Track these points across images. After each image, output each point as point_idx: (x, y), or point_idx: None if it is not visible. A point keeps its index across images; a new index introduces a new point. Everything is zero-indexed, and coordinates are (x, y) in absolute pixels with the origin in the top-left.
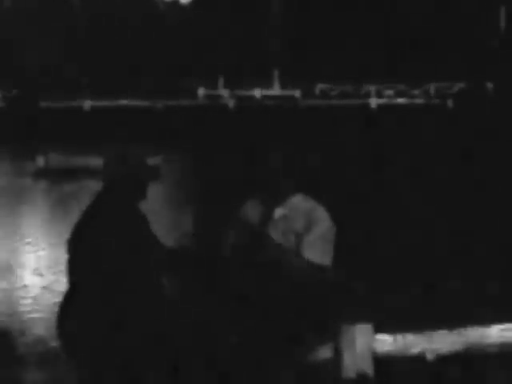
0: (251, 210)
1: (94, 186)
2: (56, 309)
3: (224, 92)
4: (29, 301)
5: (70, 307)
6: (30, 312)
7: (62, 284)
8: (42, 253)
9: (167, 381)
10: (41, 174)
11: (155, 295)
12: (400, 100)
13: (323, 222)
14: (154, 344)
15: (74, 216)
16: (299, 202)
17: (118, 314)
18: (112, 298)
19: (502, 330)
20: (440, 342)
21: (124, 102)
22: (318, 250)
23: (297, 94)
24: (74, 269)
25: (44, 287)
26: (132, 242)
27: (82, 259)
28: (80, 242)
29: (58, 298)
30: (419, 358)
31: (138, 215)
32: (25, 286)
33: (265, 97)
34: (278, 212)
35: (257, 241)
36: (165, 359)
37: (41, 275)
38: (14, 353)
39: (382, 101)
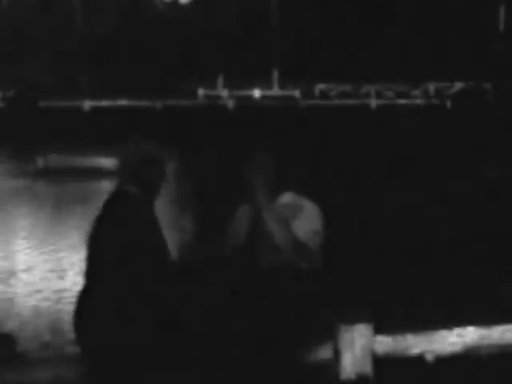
0: (244, 214)
1: (95, 186)
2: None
3: (223, 92)
4: (37, 301)
5: (85, 307)
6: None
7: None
8: (50, 255)
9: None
10: (41, 174)
11: (166, 293)
12: (400, 100)
13: (309, 209)
14: (165, 341)
15: (76, 217)
16: (288, 199)
17: (132, 313)
18: (125, 296)
19: (503, 330)
20: (440, 343)
21: (124, 102)
22: (301, 232)
23: (296, 94)
24: (90, 268)
25: (63, 290)
26: (143, 243)
27: (97, 259)
28: (94, 243)
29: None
30: (419, 359)
31: (151, 216)
32: (39, 288)
33: (264, 97)
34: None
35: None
36: (175, 356)
37: (61, 278)
38: (35, 355)
39: (381, 101)
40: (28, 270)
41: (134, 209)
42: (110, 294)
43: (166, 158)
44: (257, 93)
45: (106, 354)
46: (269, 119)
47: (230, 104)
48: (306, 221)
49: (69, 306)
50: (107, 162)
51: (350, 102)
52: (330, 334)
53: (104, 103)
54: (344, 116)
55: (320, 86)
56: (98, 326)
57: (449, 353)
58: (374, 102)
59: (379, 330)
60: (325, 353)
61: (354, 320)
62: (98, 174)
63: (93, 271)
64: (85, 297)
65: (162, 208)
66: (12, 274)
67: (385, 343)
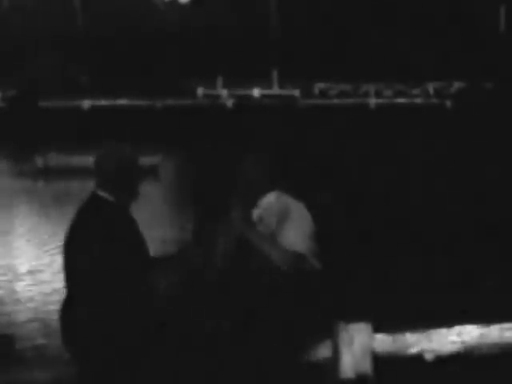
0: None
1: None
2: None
3: (222, 92)
4: (33, 304)
5: (68, 310)
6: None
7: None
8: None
9: (166, 378)
10: (40, 174)
11: (145, 294)
12: (399, 100)
13: (296, 213)
14: (149, 341)
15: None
16: (273, 200)
17: (112, 315)
18: (104, 300)
19: (502, 329)
20: (439, 342)
21: (123, 101)
22: (292, 240)
23: (296, 93)
24: (68, 273)
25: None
26: (120, 245)
27: (74, 264)
28: (71, 246)
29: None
30: (418, 358)
31: (127, 218)
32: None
33: (263, 96)
34: (255, 214)
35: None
36: (160, 356)
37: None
38: (41, 356)
39: (381, 100)
40: (35, 271)
41: (105, 213)
42: (88, 302)
43: (151, 162)
44: (256, 92)
45: (91, 357)
46: (268, 118)
47: (229, 103)
48: (295, 227)
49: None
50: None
51: (350, 101)
52: (329, 333)
53: (103, 103)
54: (343, 115)
55: (319, 85)
56: (81, 332)
57: (448, 352)
58: (373, 101)
59: (379, 328)
60: (323, 352)
61: (353, 319)
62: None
63: (70, 279)
64: (67, 304)
65: (160, 207)
66: (20, 275)
67: (384, 342)
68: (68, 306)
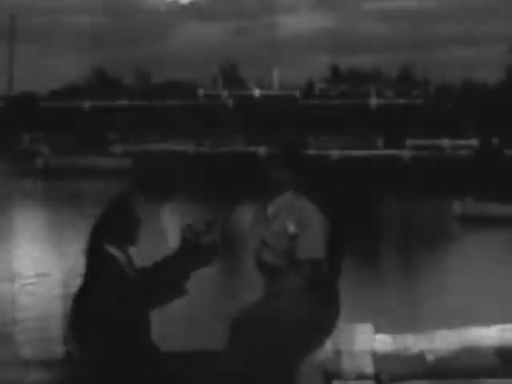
0: (241, 217)
1: (95, 186)
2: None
3: (223, 92)
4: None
5: (82, 306)
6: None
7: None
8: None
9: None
10: (41, 174)
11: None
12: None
13: (315, 221)
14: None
15: (76, 219)
16: (289, 200)
17: (129, 314)
18: (124, 299)
19: (502, 330)
20: (440, 342)
21: (124, 102)
22: (313, 248)
23: (296, 93)
24: (90, 260)
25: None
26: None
27: (97, 253)
28: (97, 237)
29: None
30: (419, 358)
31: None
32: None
33: (263, 96)
34: (270, 210)
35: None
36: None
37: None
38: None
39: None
40: (47, 274)
41: (135, 211)
42: (107, 294)
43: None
44: (256, 92)
45: (99, 348)
46: (269, 118)
47: (230, 103)
48: (313, 232)
49: None
50: (107, 162)
51: (350, 101)
52: (331, 334)
53: (104, 103)
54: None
55: (320, 86)
56: (93, 321)
57: (449, 352)
58: (373, 102)
59: (379, 329)
60: (324, 352)
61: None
62: (100, 173)
63: (91, 267)
64: (83, 294)
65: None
66: (24, 276)
67: (385, 343)
68: (83, 294)
